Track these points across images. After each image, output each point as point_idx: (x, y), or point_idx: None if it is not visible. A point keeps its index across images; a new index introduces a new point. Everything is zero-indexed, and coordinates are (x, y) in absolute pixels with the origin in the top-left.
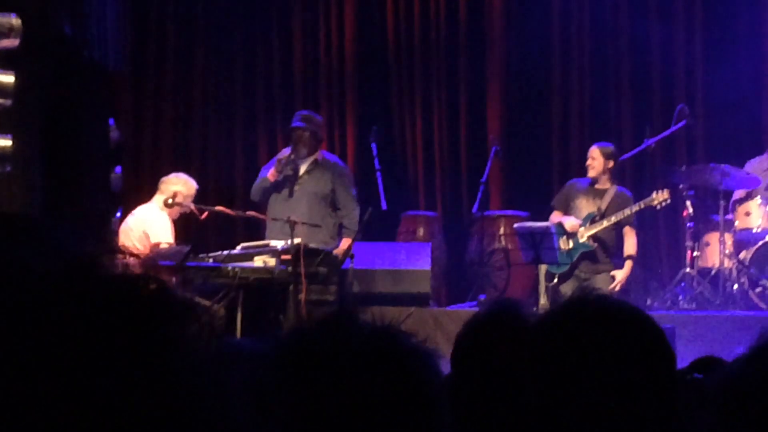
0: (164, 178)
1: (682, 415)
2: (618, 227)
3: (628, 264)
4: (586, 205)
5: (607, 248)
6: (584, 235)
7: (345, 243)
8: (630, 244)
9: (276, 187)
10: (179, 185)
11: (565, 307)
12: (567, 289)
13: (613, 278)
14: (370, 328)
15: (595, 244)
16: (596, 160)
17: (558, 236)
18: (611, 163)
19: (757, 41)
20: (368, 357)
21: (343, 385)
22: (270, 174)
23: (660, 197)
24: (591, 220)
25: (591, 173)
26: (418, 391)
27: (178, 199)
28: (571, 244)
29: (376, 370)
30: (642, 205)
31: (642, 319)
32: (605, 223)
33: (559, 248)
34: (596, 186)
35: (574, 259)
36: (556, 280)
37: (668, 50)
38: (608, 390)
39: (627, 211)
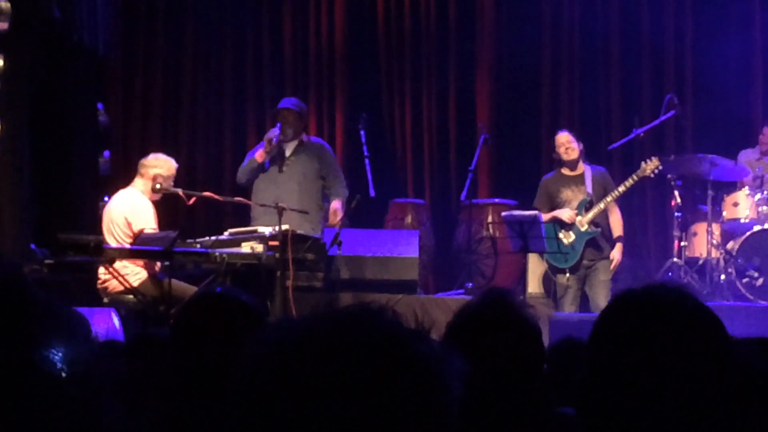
0: (143, 161)
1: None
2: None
3: (619, 238)
4: (573, 195)
5: (605, 230)
6: (584, 223)
7: (336, 203)
8: (615, 219)
9: (263, 169)
10: (158, 167)
11: (626, 299)
12: (572, 281)
13: (611, 261)
14: (391, 327)
15: (599, 229)
16: (572, 143)
17: (557, 231)
18: (581, 145)
19: (747, 32)
20: (386, 358)
21: (357, 384)
22: (258, 155)
23: (650, 166)
24: (585, 207)
25: (572, 155)
26: (435, 399)
27: (160, 181)
28: (572, 237)
29: (393, 372)
30: (635, 178)
31: (701, 309)
32: (601, 206)
33: (562, 242)
34: (571, 173)
35: (581, 249)
36: (567, 274)
37: (658, 40)
38: (668, 375)
39: (621, 188)
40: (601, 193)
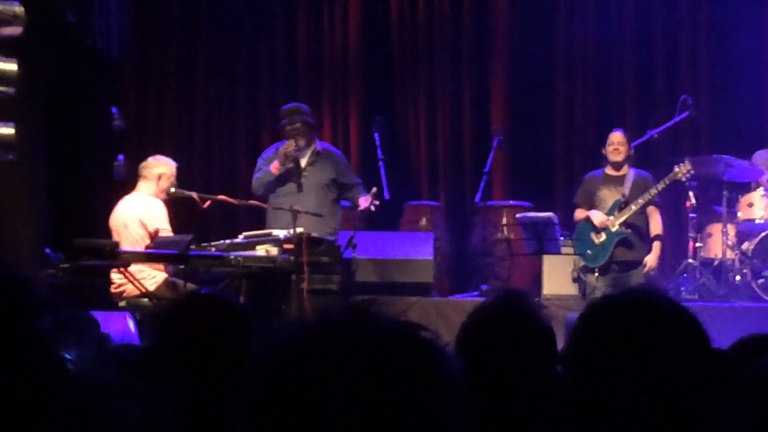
0: (143, 164)
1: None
2: (643, 209)
3: (657, 245)
4: (609, 195)
5: (641, 233)
6: (615, 223)
7: (363, 200)
8: (655, 223)
9: (279, 181)
10: (161, 167)
11: (604, 303)
12: (602, 284)
13: (645, 266)
14: (392, 323)
15: (629, 230)
16: (623, 145)
17: (588, 231)
18: (632, 150)
19: (762, 32)
20: (392, 352)
21: (367, 380)
22: (274, 167)
23: (683, 169)
24: (618, 207)
25: (618, 158)
26: (440, 389)
27: (164, 181)
28: (603, 237)
29: (399, 366)
30: (667, 182)
31: (677, 309)
32: (633, 208)
33: (593, 242)
34: (614, 173)
35: (611, 249)
36: (596, 274)
37: (672, 41)
38: (647, 376)
39: (653, 191)
40: (638, 196)
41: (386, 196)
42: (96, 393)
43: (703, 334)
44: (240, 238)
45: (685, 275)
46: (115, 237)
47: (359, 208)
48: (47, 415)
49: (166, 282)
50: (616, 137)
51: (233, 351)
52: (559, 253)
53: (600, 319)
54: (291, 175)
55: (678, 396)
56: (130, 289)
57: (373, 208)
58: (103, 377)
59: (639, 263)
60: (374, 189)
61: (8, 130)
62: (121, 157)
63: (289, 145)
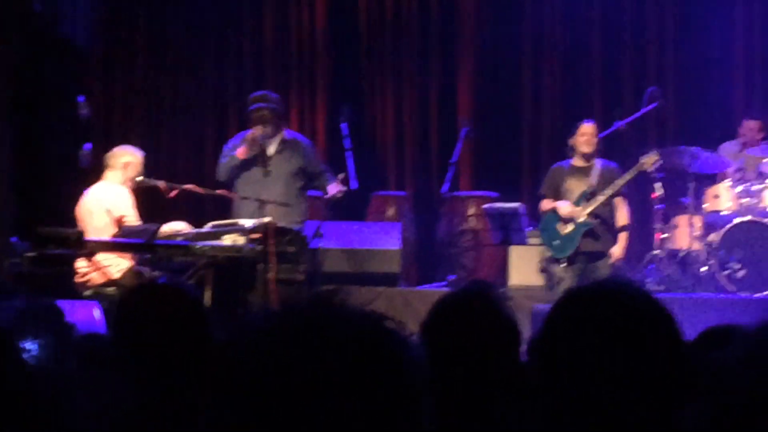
0: (109, 154)
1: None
2: (610, 200)
3: (623, 236)
4: (576, 186)
5: (607, 224)
6: (582, 214)
7: (332, 188)
8: (621, 214)
9: (244, 167)
10: (127, 156)
11: (577, 291)
12: (568, 274)
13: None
14: (356, 313)
15: (597, 220)
16: (594, 136)
17: (555, 222)
18: (600, 141)
19: (729, 24)
20: (355, 343)
21: (330, 370)
22: (239, 152)
23: (650, 160)
24: (585, 198)
25: (589, 149)
26: (405, 377)
27: (130, 170)
28: (570, 227)
29: (362, 356)
30: (634, 172)
31: (650, 301)
32: (600, 199)
33: (559, 232)
34: (582, 164)
35: (577, 240)
36: (564, 264)
37: (639, 32)
38: (619, 368)
39: (620, 181)
40: (605, 187)
41: (353, 185)
42: (56, 384)
43: (675, 327)
44: (206, 228)
45: (651, 266)
46: (81, 225)
47: (328, 195)
48: (3, 407)
49: (131, 270)
50: (588, 128)
51: (188, 338)
52: (525, 243)
53: (572, 311)
54: (258, 162)
55: (650, 387)
56: (95, 278)
57: (339, 194)
58: (65, 368)
59: (605, 254)
60: (341, 174)
61: None
62: (87, 146)
63: (255, 131)
